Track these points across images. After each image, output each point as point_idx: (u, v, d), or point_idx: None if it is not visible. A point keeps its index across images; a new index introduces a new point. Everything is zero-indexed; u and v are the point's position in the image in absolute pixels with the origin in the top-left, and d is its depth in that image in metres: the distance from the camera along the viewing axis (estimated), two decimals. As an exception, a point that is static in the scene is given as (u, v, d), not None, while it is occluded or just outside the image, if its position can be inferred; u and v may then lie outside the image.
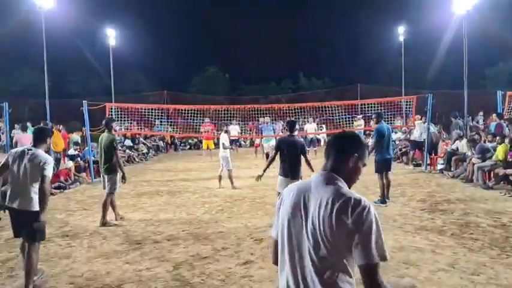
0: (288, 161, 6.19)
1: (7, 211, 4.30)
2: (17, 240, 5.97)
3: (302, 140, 7.19)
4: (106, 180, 6.87)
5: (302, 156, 6.28)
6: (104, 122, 7.50)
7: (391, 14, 34.83)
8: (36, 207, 4.04)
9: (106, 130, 7.13)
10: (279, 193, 6.29)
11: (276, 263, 1.90)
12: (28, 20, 23.53)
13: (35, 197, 4.04)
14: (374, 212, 1.65)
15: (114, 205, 7.03)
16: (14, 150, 4.29)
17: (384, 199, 7.78)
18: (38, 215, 4.01)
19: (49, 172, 4.07)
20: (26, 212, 4.04)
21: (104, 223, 6.69)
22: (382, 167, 7.95)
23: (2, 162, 4.29)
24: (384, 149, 7.95)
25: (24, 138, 11.99)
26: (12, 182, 4.17)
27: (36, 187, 4.05)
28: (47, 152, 4.58)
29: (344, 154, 1.83)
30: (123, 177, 6.90)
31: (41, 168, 4.02)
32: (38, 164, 4.03)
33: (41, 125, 12.87)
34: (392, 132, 10.00)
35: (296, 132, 6.84)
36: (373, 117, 9.52)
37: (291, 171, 6.18)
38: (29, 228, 4.01)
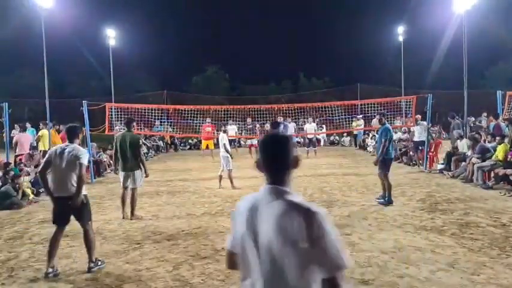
0: None
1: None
2: (16, 240, 6.01)
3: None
4: (130, 176, 7.22)
5: None
6: (125, 122, 8.00)
7: (390, 14, 34.91)
8: (79, 191, 4.75)
9: (127, 129, 7.50)
10: None
11: (230, 267, 1.86)
12: (28, 20, 23.56)
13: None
14: (325, 218, 1.57)
15: (125, 202, 7.22)
16: (53, 149, 4.94)
17: (390, 198, 7.75)
18: (72, 198, 4.68)
19: (85, 161, 4.81)
20: (72, 197, 4.67)
21: (135, 216, 7.16)
22: (390, 167, 7.96)
23: (45, 161, 4.88)
24: (391, 148, 7.96)
25: (24, 138, 12.01)
26: (57, 174, 4.74)
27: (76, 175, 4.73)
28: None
29: (285, 162, 1.72)
30: (146, 173, 7.42)
31: (79, 158, 4.73)
32: (76, 155, 4.73)
33: (40, 125, 13.03)
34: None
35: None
36: (377, 117, 9.53)
37: None
38: (80, 209, 4.73)
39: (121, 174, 7.32)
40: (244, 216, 1.71)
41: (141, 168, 7.30)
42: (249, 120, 20.48)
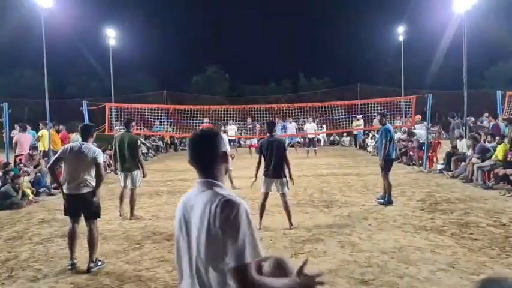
0: (270, 162, 6.26)
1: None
2: (16, 240, 6.01)
3: (283, 139, 7.36)
4: (128, 176, 7.24)
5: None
6: (124, 122, 8.03)
7: (390, 14, 34.93)
8: (91, 189, 4.85)
9: (126, 130, 7.54)
10: (265, 193, 6.37)
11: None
12: (28, 20, 23.54)
13: (90, 181, 4.83)
14: (245, 210, 1.61)
15: (123, 200, 7.26)
16: (67, 146, 4.96)
17: (390, 199, 7.75)
18: (93, 194, 4.82)
19: (101, 160, 4.91)
20: (85, 194, 4.79)
21: (134, 216, 7.15)
22: (391, 167, 7.96)
23: (56, 156, 4.96)
24: (392, 148, 7.95)
25: (24, 138, 11.99)
26: (70, 172, 4.81)
27: (90, 173, 4.82)
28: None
29: (212, 157, 1.79)
30: (144, 173, 7.44)
31: (95, 158, 4.81)
32: (91, 155, 4.81)
33: (40, 125, 13.02)
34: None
35: (278, 133, 6.92)
36: (378, 118, 9.51)
37: (274, 171, 6.25)
38: (90, 207, 4.83)
39: (120, 174, 7.35)
40: (179, 212, 1.80)
41: (139, 169, 7.31)
42: (249, 120, 20.49)
